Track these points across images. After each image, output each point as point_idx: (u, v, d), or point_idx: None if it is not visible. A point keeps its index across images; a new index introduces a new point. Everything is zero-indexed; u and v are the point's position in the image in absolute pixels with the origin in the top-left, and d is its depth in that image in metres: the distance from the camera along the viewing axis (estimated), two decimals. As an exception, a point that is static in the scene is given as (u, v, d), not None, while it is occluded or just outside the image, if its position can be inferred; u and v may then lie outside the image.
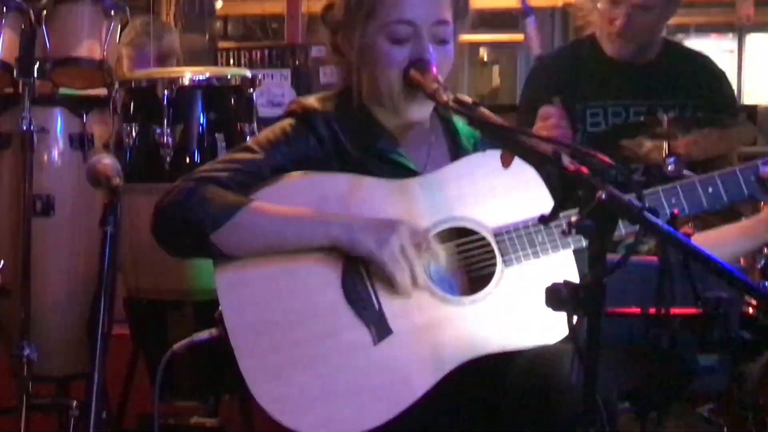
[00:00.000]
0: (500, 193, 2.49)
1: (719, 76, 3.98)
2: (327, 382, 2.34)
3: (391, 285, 2.38)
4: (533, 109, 3.87)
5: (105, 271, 2.61)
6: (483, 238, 2.47)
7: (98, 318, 2.64)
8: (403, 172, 2.52)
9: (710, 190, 2.54)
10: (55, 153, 3.79)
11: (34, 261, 3.60)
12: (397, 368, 2.36)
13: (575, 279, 2.36)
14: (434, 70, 2.39)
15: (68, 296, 3.70)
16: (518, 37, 18.20)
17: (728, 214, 3.29)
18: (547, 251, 2.45)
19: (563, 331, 2.34)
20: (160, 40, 5.44)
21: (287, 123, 2.54)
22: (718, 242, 2.68)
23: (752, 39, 17.75)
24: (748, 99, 15.79)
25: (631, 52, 3.77)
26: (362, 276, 2.40)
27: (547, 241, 2.45)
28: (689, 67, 3.90)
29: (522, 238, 2.45)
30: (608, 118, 3.79)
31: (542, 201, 2.47)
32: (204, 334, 2.51)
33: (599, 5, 3.77)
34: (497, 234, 2.46)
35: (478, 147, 2.63)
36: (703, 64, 3.98)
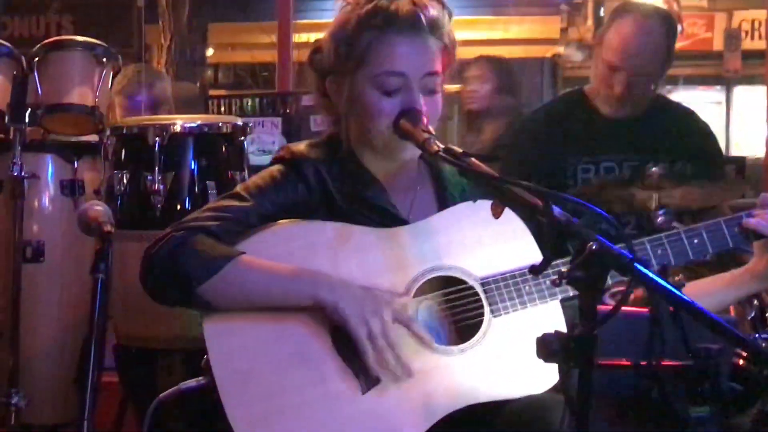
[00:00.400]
0: (488, 242, 2.49)
1: (706, 131, 4.01)
2: (315, 430, 2.32)
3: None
4: (520, 162, 3.89)
5: (96, 318, 2.61)
6: (471, 288, 2.47)
7: (88, 365, 2.64)
8: (389, 219, 2.51)
9: (695, 241, 2.55)
10: (46, 199, 3.80)
11: (23, 307, 3.60)
12: (386, 418, 2.35)
13: (562, 330, 2.37)
14: (425, 120, 2.39)
15: (58, 343, 3.70)
16: (508, 86, 18.29)
17: (716, 264, 3.31)
18: (534, 302, 2.45)
19: (551, 381, 2.34)
20: (151, 87, 5.47)
21: (276, 169, 2.53)
22: (705, 292, 2.69)
23: (739, 91, 17.92)
24: (735, 150, 15.91)
25: (626, 113, 3.80)
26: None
27: (535, 291, 2.45)
28: (678, 122, 3.92)
29: (510, 288, 2.45)
30: (600, 173, 3.80)
31: (529, 251, 2.48)
32: (191, 383, 2.49)
33: (598, 68, 3.78)
34: (485, 284, 2.46)
35: (465, 195, 2.63)
36: (690, 119, 4.00)
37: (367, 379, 2.35)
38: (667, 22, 3.82)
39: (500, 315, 2.43)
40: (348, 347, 2.36)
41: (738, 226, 2.59)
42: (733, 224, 2.58)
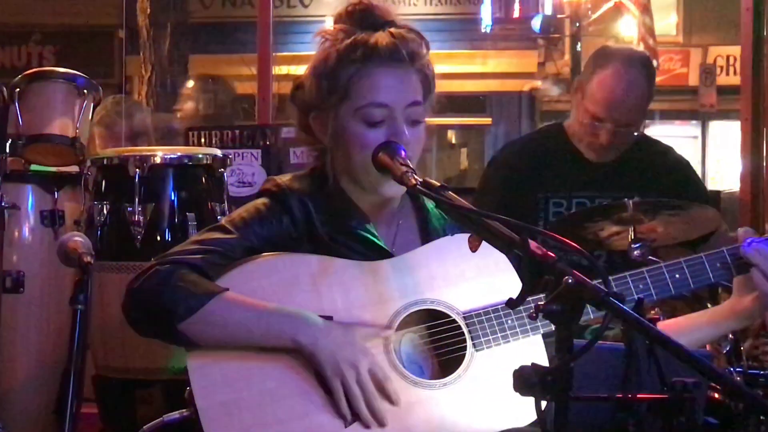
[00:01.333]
0: (470, 276, 2.50)
1: (685, 165, 4.03)
2: None
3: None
4: (493, 193, 3.91)
5: (75, 349, 2.61)
6: (454, 322, 2.47)
7: (67, 396, 2.64)
8: (374, 250, 2.52)
9: (677, 276, 2.56)
10: (26, 229, 3.80)
11: (2, 338, 3.59)
12: None
13: (545, 364, 2.39)
14: (403, 153, 2.39)
15: (37, 374, 3.68)
16: (486, 120, 18.46)
17: (692, 299, 3.33)
18: (516, 336, 2.45)
19: (532, 415, 2.34)
20: (131, 118, 5.48)
21: (261, 202, 2.53)
22: (683, 331, 2.68)
23: (715, 126, 18.05)
24: (711, 184, 16.00)
25: (610, 158, 3.82)
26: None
27: (517, 326, 2.46)
28: (656, 160, 3.94)
29: (492, 322, 2.45)
30: (571, 208, 3.82)
31: (512, 284, 2.48)
32: (174, 415, 2.49)
33: (580, 116, 3.78)
34: (467, 317, 2.46)
35: (447, 228, 2.64)
36: (668, 155, 4.02)
37: (351, 413, 2.36)
38: (647, 66, 3.84)
39: (483, 349, 2.44)
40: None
41: (720, 261, 2.59)
42: (714, 259, 2.59)
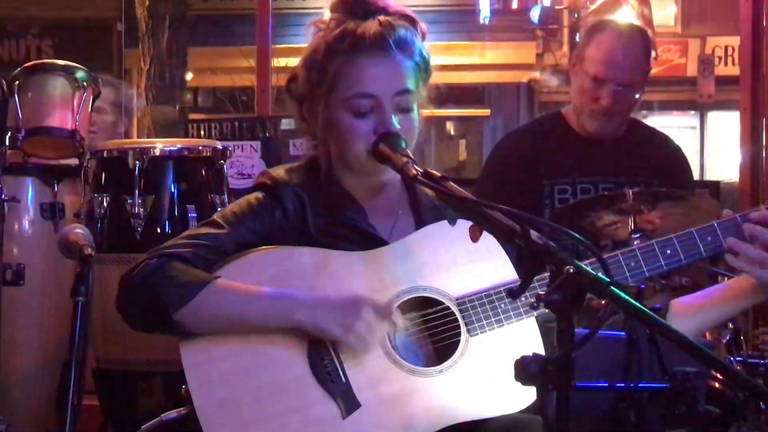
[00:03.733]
0: (462, 262, 2.51)
1: (681, 154, 4.06)
2: None
3: (357, 357, 2.39)
4: (497, 183, 3.91)
5: (76, 341, 2.61)
6: (447, 308, 2.48)
7: (68, 388, 2.64)
8: (369, 240, 2.53)
9: (668, 251, 2.56)
10: (26, 222, 3.80)
11: (3, 330, 3.59)
12: None
13: (539, 347, 2.39)
14: (404, 143, 2.40)
15: (37, 366, 3.69)
16: (484, 111, 18.45)
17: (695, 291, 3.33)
18: (510, 319, 2.46)
19: (528, 400, 2.35)
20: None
21: (254, 197, 2.54)
22: (696, 308, 2.66)
23: (713, 116, 18.04)
24: (710, 175, 16.00)
25: (612, 128, 3.83)
26: (328, 349, 2.39)
27: (510, 309, 2.47)
28: (654, 145, 3.97)
29: (485, 306, 2.46)
30: (577, 194, 3.83)
31: (503, 268, 2.50)
32: (173, 413, 2.50)
33: (582, 84, 3.81)
34: (461, 303, 2.47)
35: (443, 218, 2.64)
36: (665, 142, 4.05)
37: (347, 403, 2.36)
38: (644, 35, 3.88)
39: (477, 334, 2.45)
40: (326, 371, 2.37)
41: (711, 236, 2.58)
42: (705, 233, 2.59)
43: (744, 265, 2.53)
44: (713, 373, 2.61)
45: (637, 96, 3.81)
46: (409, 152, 2.38)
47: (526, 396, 2.34)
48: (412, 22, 2.53)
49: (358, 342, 2.36)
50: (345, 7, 2.52)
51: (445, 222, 2.52)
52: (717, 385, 2.67)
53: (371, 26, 2.46)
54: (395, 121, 2.45)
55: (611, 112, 3.77)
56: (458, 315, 2.46)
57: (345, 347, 2.38)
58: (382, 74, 2.47)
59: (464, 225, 2.25)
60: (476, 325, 2.45)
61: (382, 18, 2.48)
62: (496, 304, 2.46)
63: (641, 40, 3.83)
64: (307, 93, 2.54)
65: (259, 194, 2.54)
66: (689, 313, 2.63)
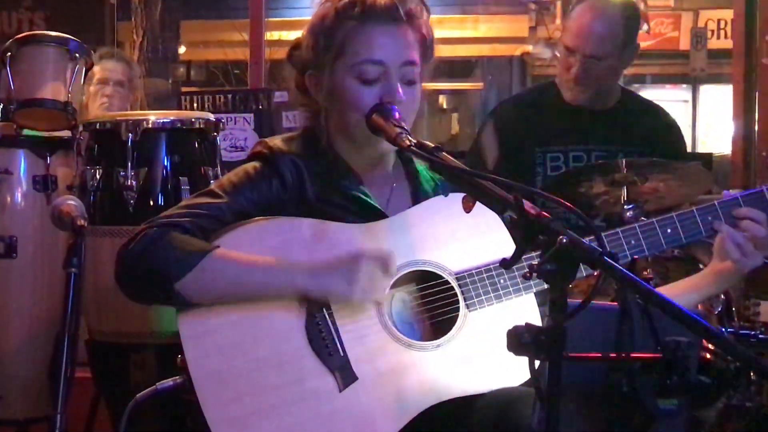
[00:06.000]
0: (462, 236, 2.51)
1: (674, 125, 4.06)
2: (292, 430, 2.32)
3: (355, 329, 2.39)
4: (489, 151, 3.92)
5: (69, 313, 2.61)
6: (446, 282, 2.48)
7: (61, 360, 2.64)
8: (366, 209, 2.53)
9: (669, 230, 2.57)
10: (19, 194, 3.79)
11: (-4, 303, 3.59)
12: (362, 415, 2.36)
13: (537, 323, 2.39)
14: (397, 114, 2.40)
15: (30, 338, 3.68)
16: (477, 85, 18.41)
17: (687, 261, 3.34)
18: (509, 295, 2.47)
19: (525, 375, 2.34)
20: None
21: (251, 166, 2.54)
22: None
23: (706, 90, 18.03)
24: (702, 147, 16.00)
25: (588, 98, 3.84)
26: (326, 322, 2.39)
27: (510, 285, 2.47)
28: (646, 115, 3.98)
29: (484, 282, 2.47)
30: (569, 162, 3.84)
31: (504, 244, 2.50)
32: (168, 382, 2.48)
33: (557, 53, 3.86)
34: (460, 278, 2.47)
35: (438, 190, 2.64)
36: (657, 112, 4.06)
37: (344, 376, 2.36)
38: (627, 9, 3.88)
39: (476, 309, 2.45)
40: (324, 344, 2.37)
41: (712, 215, 2.60)
42: (706, 213, 2.60)
43: (731, 247, 2.56)
44: (705, 343, 2.63)
45: (609, 67, 3.80)
46: (404, 124, 2.37)
47: (522, 371, 2.34)
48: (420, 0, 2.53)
49: (363, 296, 2.36)
50: None
51: (444, 197, 2.52)
52: (708, 355, 2.68)
53: None
54: (401, 91, 2.45)
55: (580, 82, 3.79)
56: (457, 290, 2.46)
57: (350, 305, 2.38)
58: (392, 43, 2.48)
59: (461, 199, 2.25)
60: (475, 300, 2.46)
61: None
62: (496, 279, 2.47)
63: (620, 12, 3.82)
64: (312, 59, 2.54)
65: (256, 163, 2.53)
66: None
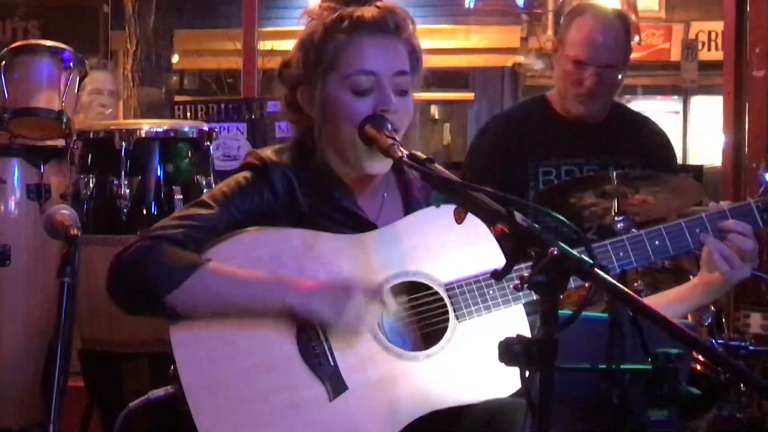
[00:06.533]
0: (452, 247, 2.51)
1: (664, 138, 4.08)
2: None
3: (346, 339, 2.40)
4: (482, 165, 3.93)
5: (62, 322, 2.61)
6: (435, 293, 2.49)
7: (54, 369, 2.64)
8: (357, 222, 2.54)
9: (657, 242, 2.58)
10: (12, 203, 3.79)
11: (-11, 311, 3.59)
12: (353, 424, 2.36)
13: (527, 333, 2.40)
14: (389, 126, 2.41)
15: (23, 347, 3.68)
16: (469, 95, 18.43)
17: (676, 272, 3.35)
18: (498, 306, 2.48)
19: (516, 385, 2.36)
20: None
21: (242, 176, 2.54)
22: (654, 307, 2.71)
23: (697, 101, 18.07)
24: (692, 159, 16.04)
25: (597, 110, 3.84)
26: (317, 331, 2.40)
27: (499, 296, 2.48)
28: (637, 128, 3.99)
29: (474, 292, 2.47)
30: (561, 176, 3.85)
31: (493, 255, 2.50)
32: (160, 392, 2.48)
33: (564, 68, 3.83)
34: (449, 288, 2.48)
35: (430, 201, 2.65)
36: (648, 125, 4.07)
37: (335, 386, 2.37)
38: (624, 18, 3.92)
39: (465, 319, 2.46)
40: (314, 354, 2.38)
41: (699, 227, 2.62)
42: (693, 225, 2.62)
43: (718, 260, 2.58)
44: (695, 355, 2.64)
45: (619, 76, 3.83)
46: (396, 135, 2.39)
47: (512, 381, 2.35)
48: (405, 12, 2.55)
49: (348, 327, 2.37)
50: None
51: (435, 208, 2.53)
52: (699, 367, 2.69)
53: (369, 9, 2.49)
54: (394, 100, 2.46)
55: (595, 94, 3.78)
56: (447, 300, 2.47)
57: (335, 332, 2.39)
58: (382, 54, 2.48)
59: (453, 210, 2.26)
60: (464, 310, 2.46)
61: (378, 3, 2.51)
62: (485, 290, 2.47)
63: (620, 21, 3.86)
64: (303, 75, 2.54)
65: (247, 174, 2.53)
66: None
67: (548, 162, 3.86)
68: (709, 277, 2.67)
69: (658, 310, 2.63)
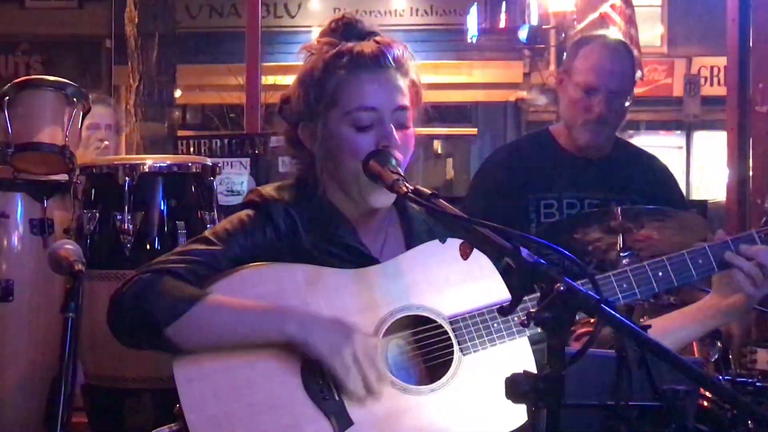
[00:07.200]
0: (455, 281, 2.51)
1: (668, 174, 4.08)
2: None
3: (338, 381, 2.38)
4: (485, 197, 3.92)
5: (66, 357, 2.60)
6: (440, 327, 2.48)
7: (57, 405, 2.62)
8: (360, 258, 2.53)
9: (660, 274, 2.58)
10: (15, 238, 3.78)
11: (-8, 346, 3.58)
12: None
13: (531, 366, 2.39)
14: (393, 161, 2.40)
15: (27, 382, 3.67)
16: (471, 130, 18.51)
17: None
18: (503, 339, 2.47)
19: (521, 419, 2.35)
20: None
21: (245, 214, 2.54)
22: (669, 330, 2.70)
23: (699, 136, 18.13)
24: (696, 194, 16.06)
25: (604, 138, 3.84)
26: (321, 366, 2.39)
27: (503, 329, 2.47)
28: (640, 164, 3.99)
29: (478, 326, 2.47)
30: (563, 209, 3.84)
31: (496, 288, 2.50)
32: (164, 430, 2.48)
33: (572, 96, 3.83)
34: (453, 322, 2.47)
35: (432, 236, 2.65)
36: (651, 161, 4.07)
37: (340, 421, 2.35)
38: (628, 48, 3.94)
39: (470, 353, 2.45)
40: (319, 389, 2.36)
41: (703, 258, 2.61)
42: (697, 256, 2.62)
43: (744, 280, 2.58)
44: (703, 391, 2.62)
45: (626, 104, 3.84)
46: (400, 170, 2.39)
47: (517, 416, 2.34)
48: (404, 46, 2.56)
49: (341, 368, 2.34)
50: (336, 32, 2.55)
51: (437, 241, 2.53)
52: (706, 403, 2.67)
53: (368, 45, 2.50)
54: (396, 135, 2.47)
55: (603, 121, 3.78)
56: (451, 334, 2.46)
57: (327, 369, 2.37)
58: (382, 89, 2.49)
59: (457, 244, 2.25)
60: (469, 344, 2.46)
61: (378, 38, 2.52)
62: (489, 323, 2.47)
63: (625, 50, 3.90)
64: (304, 111, 2.54)
65: (249, 211, 2.54)
66: (658, 335, 2.66)
67: (550, 195, 3.86)
68: (720, 300, 2.67)
69: (666, 331, 2.66)
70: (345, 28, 2.55)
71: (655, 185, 3.93)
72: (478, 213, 3.69)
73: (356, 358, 2.34)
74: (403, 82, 2.52)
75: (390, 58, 2.49)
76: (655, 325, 2.68)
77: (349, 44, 2.50)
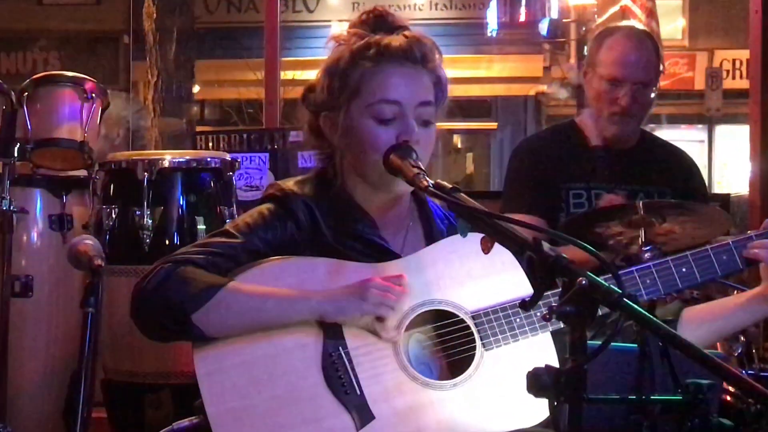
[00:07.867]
0: (478, 275, 2.50)
1: (693, 166, 4.05)
2: None
3: (372, 368, 2.38)
4: (522, 185, 3.91)
5: (86, 352, 2.60)
6: (462, 321, 2.47)
7: (77, 400, 2.63)
8: (381, 253, 2.52)
9: (684, 270, 2.56)
10: (35, 234, 3.80)
11: (11, 342, 3.58)
12: None
13: (554, 362, 2.37)
14: (414, 155, 2.39)
15: (46, 378, 3.68)
16: (491, 124, 18.49)
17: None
18: (525, 334, 2.46)
19: (542, 415, 2.34)
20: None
21: (265, 207, 2.53)
22: (721, 315, 2.70)
23: (721, 130, 18.06)
24: (718, 188, 16.01)
25: (630, 130, 3.82)
26: (342, 360, 2.38)
27: (526, 324, 2.46)
28: (665, 155, 3.97)
29: (501, 321, 2.46)
30: (591, 199, 3.82)
31: (519, 282, 2.48)
32: (185, 422, 2.47)
33: (597, 89, 3.81)
34: (476, 317, 2.46)
35: (453, 230, 2.63)
36: (677, 154, 4.05)
37: (361, 415, 2.35)
38: (652, 37, 3.92)
39: (492, 348, 2.44)
40: (340, 383, 2.36)
41: (727, 254, 2.60)
42: (721, 252, 2.60)
43: None
44: (725, 385, 2.60)
45: (652, 95, 3.82)
46: (420, 164, 2.37)
47: (539, 411, 2.33)
48: (433, 42, 2.55)
49: (378, 307, 2.35)
50: (366, 24, 2.54)
51: (459, 236, 2.51)
52: (729, 397, 2.65)
53: (397, 38, 2.49)
54: (417, 130, 2.46)
55: (629, 113, 3.77)
56: (473, 329, 2.45)
57: (368, 321, 2.38)
58: (407, 83, 2.48)
59: (478, 239, 2.24)
60: (491, 339, 2.44)
61: (407, 33, 2.51)
62: (512, 318, 2.45)
63: (650, 40, 3.87)
64: (327, 100, 2.53)
65: (270, 205, 2.53)
66: (701, 322, 2.65)
67: (579, 185, 3.84)
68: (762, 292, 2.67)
69: (724, 315, 2.66)
70: (375, 21, 2.54)
71: (680, 177, 3.91)
72: (520, 199, 3.69)
73: (384, 294, 2.36)
74: (428, 79, 2.51)
75: (417, 53, 2.48)
76: (703, 310, 2.68)
77: (377, 36, 2.49)
